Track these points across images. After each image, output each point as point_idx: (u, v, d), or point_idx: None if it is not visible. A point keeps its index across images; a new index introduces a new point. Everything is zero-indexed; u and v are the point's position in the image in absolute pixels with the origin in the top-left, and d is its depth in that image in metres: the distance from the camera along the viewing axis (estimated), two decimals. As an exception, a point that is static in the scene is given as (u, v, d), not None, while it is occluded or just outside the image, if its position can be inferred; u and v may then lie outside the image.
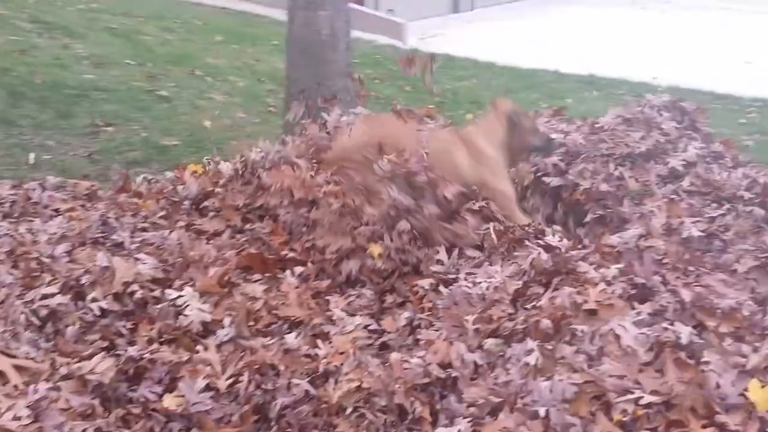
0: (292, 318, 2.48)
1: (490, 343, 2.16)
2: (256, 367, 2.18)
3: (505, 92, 8.25)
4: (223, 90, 7.13)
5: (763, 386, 1.63)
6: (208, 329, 2.37)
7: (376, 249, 2.80)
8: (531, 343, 2.00)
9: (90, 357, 2.11)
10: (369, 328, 2.53)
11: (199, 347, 2.23)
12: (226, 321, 2.36)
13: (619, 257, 2.44)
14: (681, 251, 2.46)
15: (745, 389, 1.64)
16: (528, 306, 2.26)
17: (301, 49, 4.72)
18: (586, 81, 8.84)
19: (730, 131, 5.86)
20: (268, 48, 9.10)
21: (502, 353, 2.12)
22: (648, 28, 12.36)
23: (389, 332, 2.51)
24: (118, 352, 2.21)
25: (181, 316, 2.35)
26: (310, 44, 4.66)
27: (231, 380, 2.12)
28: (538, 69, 9.38)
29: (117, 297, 2.41)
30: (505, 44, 11.19)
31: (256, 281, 2.66)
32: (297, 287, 2.62)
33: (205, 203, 3.10)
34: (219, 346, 2.27)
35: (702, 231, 2.66)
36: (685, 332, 1.84)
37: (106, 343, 2.28)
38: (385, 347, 2.46)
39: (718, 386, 1.63)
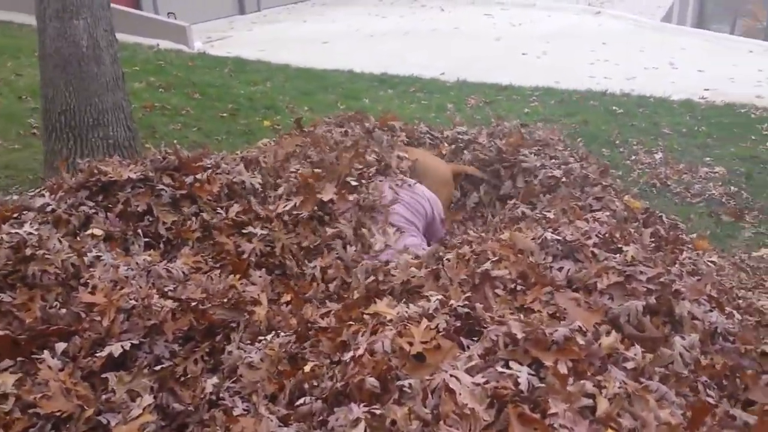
0: (57, 414, 1.93)
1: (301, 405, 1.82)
2: (11, 490, 1.65)
3: (302, 95, 7.96)
4: (-28, 112, 6.06)
5: (619, 440, 1.45)
6: (-64, 450, 1.78)
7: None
8: (356, 410, 1.68)
9: None
10: (163, 405, 2.06)
11: None
12: (-37, 435, 1.79)
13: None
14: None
15: (603, 445, 1.44)
16: (347, 357, 1.94)
17: (58, 64, 3.98)
18: (379, 80, 8.83)
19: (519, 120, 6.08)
20: (33, 60, 7.96)
21: (322, 418, 1.79)
22: (430, 26, 12.79)
23: (189, 407, 2.07)
24: None
25: None
26: (67, 58, 3.95)
27: None
28: (332, 70, 9.22)
29: None
30: (295, 45, 10.95)
31: (4, 370, 2.06)
32: (61, 370, 2.06)
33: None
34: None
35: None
36: (523, 376, 1.63)
37: None
38: (183, 427, 2.02)
39: (571, 445, 1.42)
